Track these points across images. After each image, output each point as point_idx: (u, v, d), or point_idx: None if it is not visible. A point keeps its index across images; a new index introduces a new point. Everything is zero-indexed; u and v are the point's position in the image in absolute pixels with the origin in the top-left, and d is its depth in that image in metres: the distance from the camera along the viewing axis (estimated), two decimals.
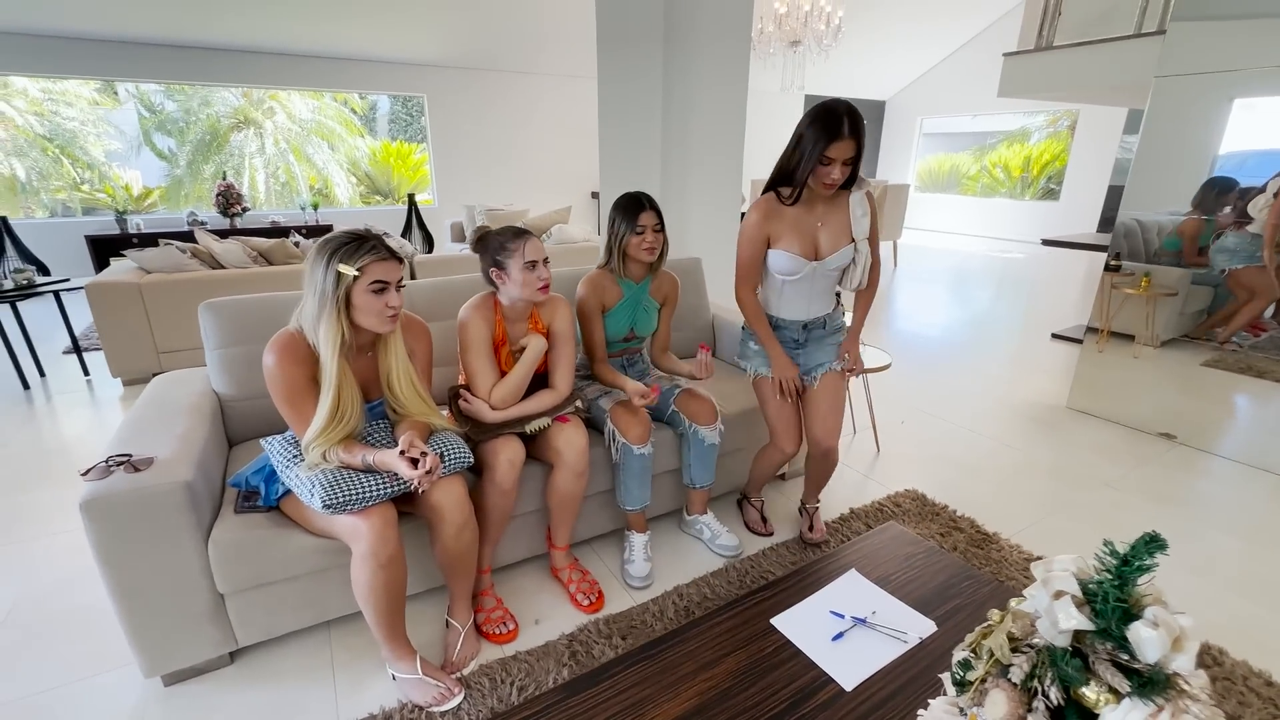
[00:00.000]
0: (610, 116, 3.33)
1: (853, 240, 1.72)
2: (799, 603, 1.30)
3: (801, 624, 1.24)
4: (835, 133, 1.50)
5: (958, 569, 1.46)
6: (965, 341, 4.42)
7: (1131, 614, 0.62)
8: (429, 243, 6.74)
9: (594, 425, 1.89)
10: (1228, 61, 2.68)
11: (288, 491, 1.45)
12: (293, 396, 1.34)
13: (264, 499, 1.47)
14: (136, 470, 1.32)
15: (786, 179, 1.66)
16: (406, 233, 6.72)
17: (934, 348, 4.28)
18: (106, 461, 1.33)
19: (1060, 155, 9.75)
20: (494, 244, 1.63)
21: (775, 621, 1.25)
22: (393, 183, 10.54)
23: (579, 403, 1.85)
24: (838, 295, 1.91)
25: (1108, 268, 3.22)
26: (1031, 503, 2.32)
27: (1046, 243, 4.46)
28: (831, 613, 1.27)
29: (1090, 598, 0.65)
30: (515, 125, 8.12)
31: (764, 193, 1.73)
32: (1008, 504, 2.30)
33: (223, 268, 3.49)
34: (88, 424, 3.01)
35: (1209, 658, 1.58)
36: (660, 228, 1.87)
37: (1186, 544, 2.08)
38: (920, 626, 1.26)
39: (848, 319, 1.94)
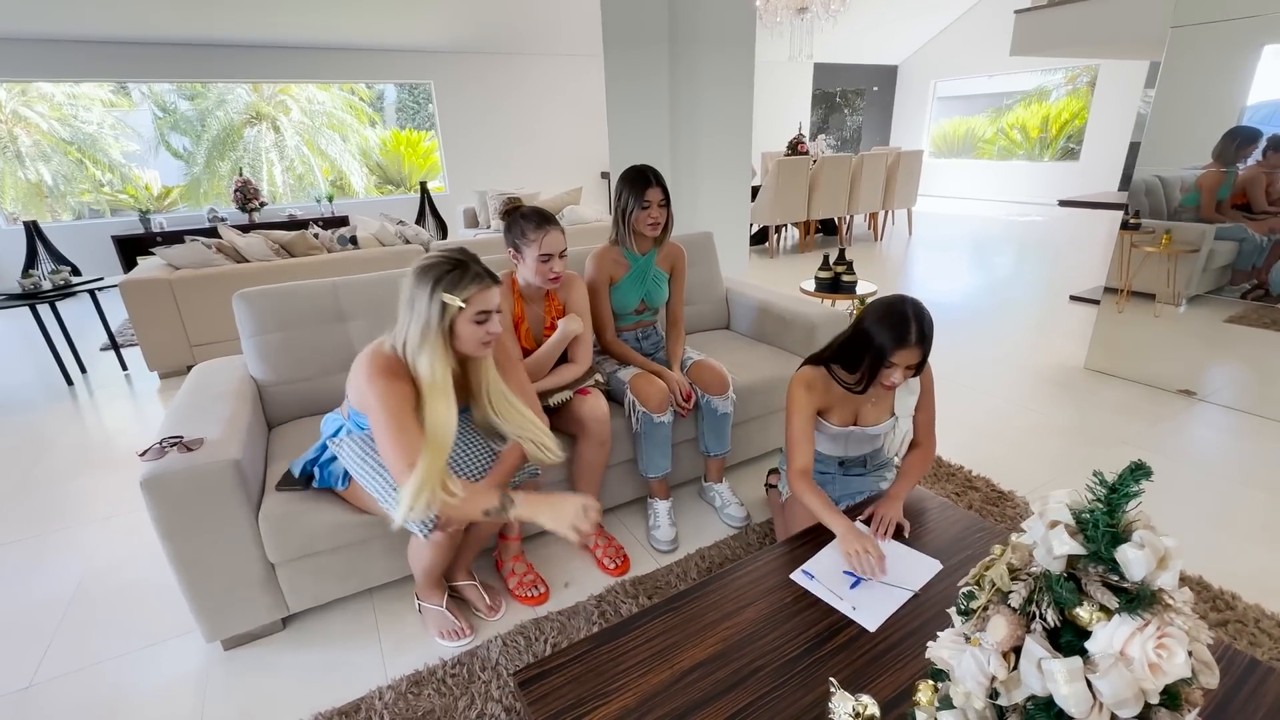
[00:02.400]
0: (618, 94, 3.34)
1: (894, 415, 1.61)
2: (814, 555, 1.36)
3: (819, 574, 1.31)
4: (902, 339, 1.33)
5: (970, 522, 1.50)
6: (983, 307, 4.40)
7: (1120, 538, 0.67)
8: (443, 229, 6.82)
9: (613, 398, 1.95)
10: (1251, 7, 2.61)
11: (348, 478, 1.50)
12: (403, 419, 1.25)
13: (320, 481, 1.52)
14: (189, 450, 1.41)
15: (846, 365, 1.47)
16: (420, 220, 6.80)
17: (951, 314, 4.26)
18: (161, 443, 1.42)
19: (1080, 113, 9.50)
20: (517, 227, 1.70)
21: (794, 576, 1.31)
22: (404, 171, 10.61)
23: (598, 375, 1.92)
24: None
25: (1125, 226, 3.18)
26: (1047, 462, 2.34)
27: (1063, 203, 4.39)
28: (844, 572, 1.32)
29: (1082, 526, 0.70)
30: (523, 108, 8.11)
31: (812, 362, 1.54)
32: (1024, 464, 2.33)
33: (247, 261, 3.60)
34: (130, 416, 3.15)
35: (1221, 602, 1.62)
36: (665, 202, 1.93)
37: (1205, 496, 2.10)
38: (928, 567, 1.31)
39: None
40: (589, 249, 2.36)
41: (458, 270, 1.26)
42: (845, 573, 1.30)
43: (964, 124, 11.18)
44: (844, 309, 2.63)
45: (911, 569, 1.32)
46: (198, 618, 1.50)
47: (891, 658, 1.11)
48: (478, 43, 7.44)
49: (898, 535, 1.43)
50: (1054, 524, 0.71)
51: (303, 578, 1.59)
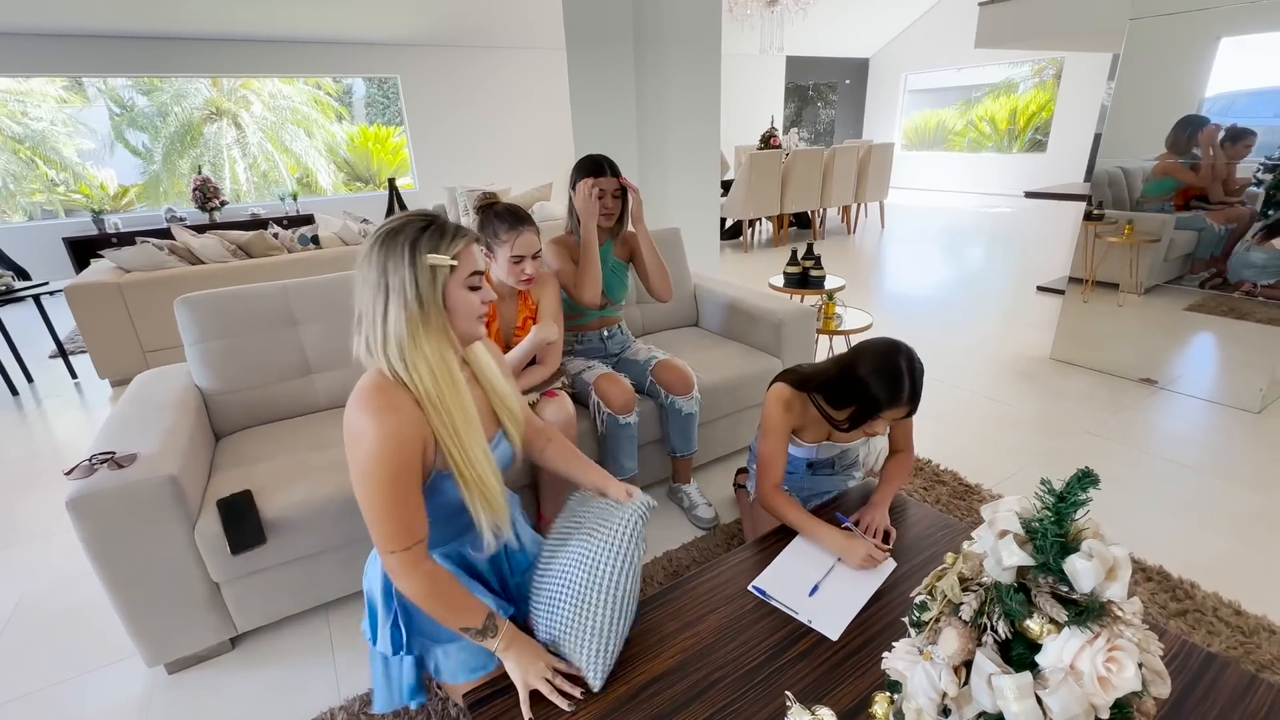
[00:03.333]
0: (582, 89, 3.28)
1: (867, 436, 1.53)
2: (765, 569, 1.33)
3: (771, 589, 1.27)
4: (895, 399, 1.27)
5: (935, 519, 1.49)
6: (952, 299, 4.44)
7: (1070, 548, 0.64)
8: None
9: (579, 400, 1.90)
10: (1200, 1, 2.64)
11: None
12: (408, 481, 0.94)
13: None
14: (120, 467, 1.33)
15: (830, 400, 1.39)
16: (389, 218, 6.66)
17: (920, 306, 4.29)
18: (90, 460, 1.34)
19: (1046, 105, 9.64)
20: (490, 226, 1.64)
21: (754, 584, 1.27)
22: (373, 168, 10.39)
23: (565, 378, 1.87)
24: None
25: (1088, 216, 3.22)
26: (1014, 454, 2.35)
27: (1029, 195, 4.44)
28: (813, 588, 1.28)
29: (1031, 535, 0.67)
30: (493, 102, 7.98)
31: (792, 384, 1.46)
32: (990, 456, 2.34)
33: (202, 263, 3.47)
34: (79, 426, 3.02)
35: (1181, 592, 1.63)
36: (620, 194, 1.90)
37: (1165, 485, 2.13)
38: (884, 566, 1.30)
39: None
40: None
41: (434, 227, 0.95)
42: (813, 588, 1.27)
43: (934, 116, 11.28)
44: (811, 304, 2.62)
45: (867, 571, 1.30)
46: (137, 642, 1.43)
47: (851, 665, 1.09)
48: (446, 36, 7.30)
49: (884, 541, 1.41)
50: (1003, 533, 0.69)
51: (251, 595, 1.52)
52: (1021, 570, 0.69)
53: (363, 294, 0.95)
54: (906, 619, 0.84)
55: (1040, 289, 4.49)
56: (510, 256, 1.62)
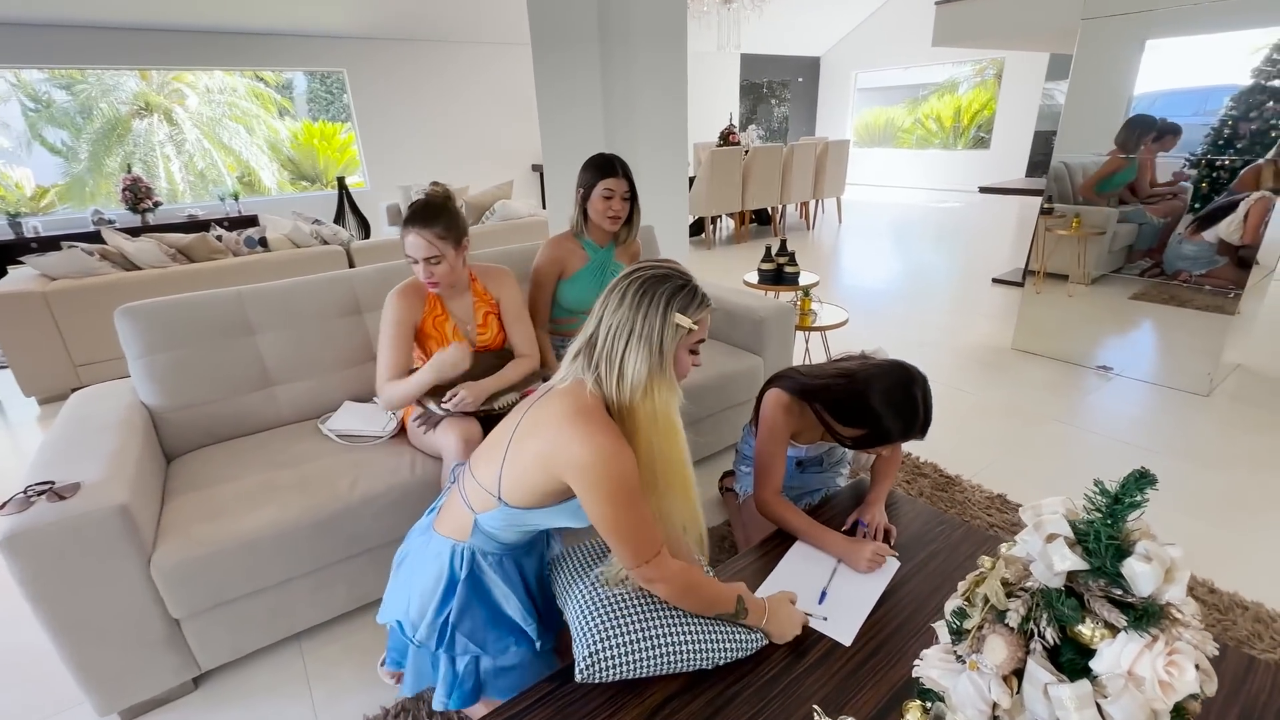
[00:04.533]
0: (548, 88, 3.19)
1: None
2: (772, 569, 1.30)
3: (782, 589, 1.24)
4: (908, 432, 1.28)
5: (929, 515, 1.49)
6: (912, 292, 4.54)
7: (1123, 550, 0.62)
8: (365, 228, 6.44)
9: None
10: (1144, 2, 2.76)
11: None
12: (640, 500, 0.97)
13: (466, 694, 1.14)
14: (61, 498, 1.20)
15: (836, 415, 1.35)
16: (340, 218, 6.39)
17: (883, 300, 4.37)
18: (25, 492, 1.20)
19: (988, 104, 10.01)
20: (401, 229, 1.57)
21: (759, 594, 1.24)
22: (319, 166, 9.96)
23: (547, 372, 1.80)
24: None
25: (1044, 211, 3.33)
26: (988, 444, 2.40)
27: (984, 190, 4.58)
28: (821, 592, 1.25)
29: (1082, 538, 0.65)
30: (447, 98, 7.75)
31: (790, 390, 1.42)
32: (966, 446, 2.38)
33: (139, 268, 3.23)
34: (5, 452, 2.76)
35: None
36: (630, 196, 1.83)
37: (1132, 469, 2.20)
38: (888, 566, 1.28)
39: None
40: (523, 245, 2.24)
41: (689, 287, 0.99)
42: (821, 594, 1.24)
43: (884, 114, 11.58)
44: (788, 300, 2.61)
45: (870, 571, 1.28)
46: (86, 689, 1.29)
47: (868, 671, 1.06)
48: (394, 29, 7.03)
49: (885, 540, 1.39)
50: (1052, 537, 0.66)
51: (215, 630, 1.40)
52: (1070, 574, 0.67)
53: (607, 324, 0.98)
54: (941, 625, 0.82)
55: (995, 281, 4.64)
56: (407, 257, 1.55)
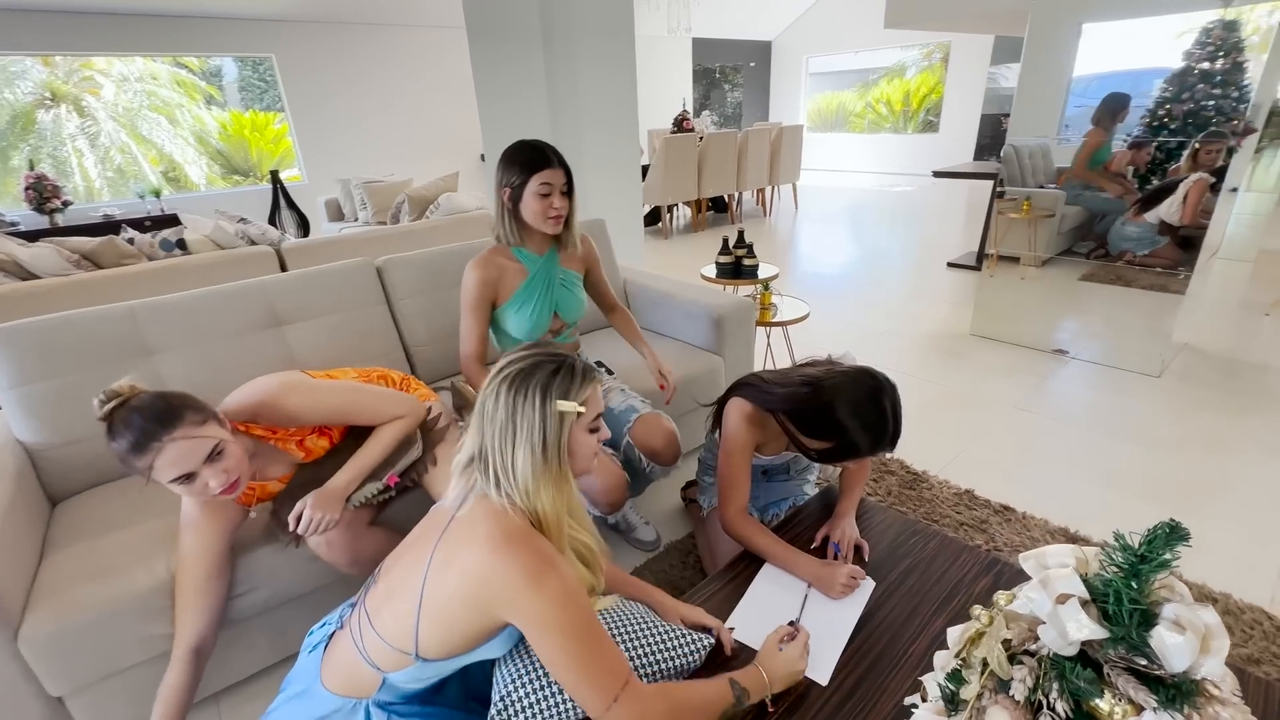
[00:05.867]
0: (487, 73, 2.99)
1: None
2: (733, 610, 1.19)
3: (751, 621, 1.14)
4: (877, 446, 1.18)
5: (901, 526, 1.41)
6: (869, 278, 4.52)
7: (1149, 615, 0.53)
8: (303, 225, 6.08)
9: None
10: None
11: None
12: (598, 625, 0.87)
13: None
14: None
15: (800, 427, 1.24)
16: (275, 215, 6.01)
17: (840, 286, 4.33)
18: None
19: (936, 87, 10.13)
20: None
21: (728, 626, 1.13)
22: (252, 159, 9.39)
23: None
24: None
25: (1001, 195, 3.32)
26: (952, 435, 2.37)
27: (938, 174, 4.58)
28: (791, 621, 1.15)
29: (1098, 597, 0.55)
30: (386, 86, 7.37)
31: (753, 399, 1.32)
32: (930, 438, 2.34)
33: (35, 277, 2.90)
34: None
35: None
36: (568, 189, 1.50)
37: (1091, 455, 2.19)
38: (862, 589, 1.20)
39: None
40: (469, 243, 2.07)
41: (563, 370, 0.91)
42: (791, 621, 1.14)
43: (835, 99, 11.61)
44: (746, 295, 2.51)
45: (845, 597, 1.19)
46: None
47: (849, 712, 0.97)
48: (326, 11, 6.62)
49: (857, 556, 1.30)
50: (1064, 598, 0.57)
51: (110, 703, 1.22)
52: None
53: (488, 433, 0.89)
54: (929, 679, 0.72)
55: (950, 265, 4.66)
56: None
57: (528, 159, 1.45)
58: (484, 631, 0.87)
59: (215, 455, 1.07)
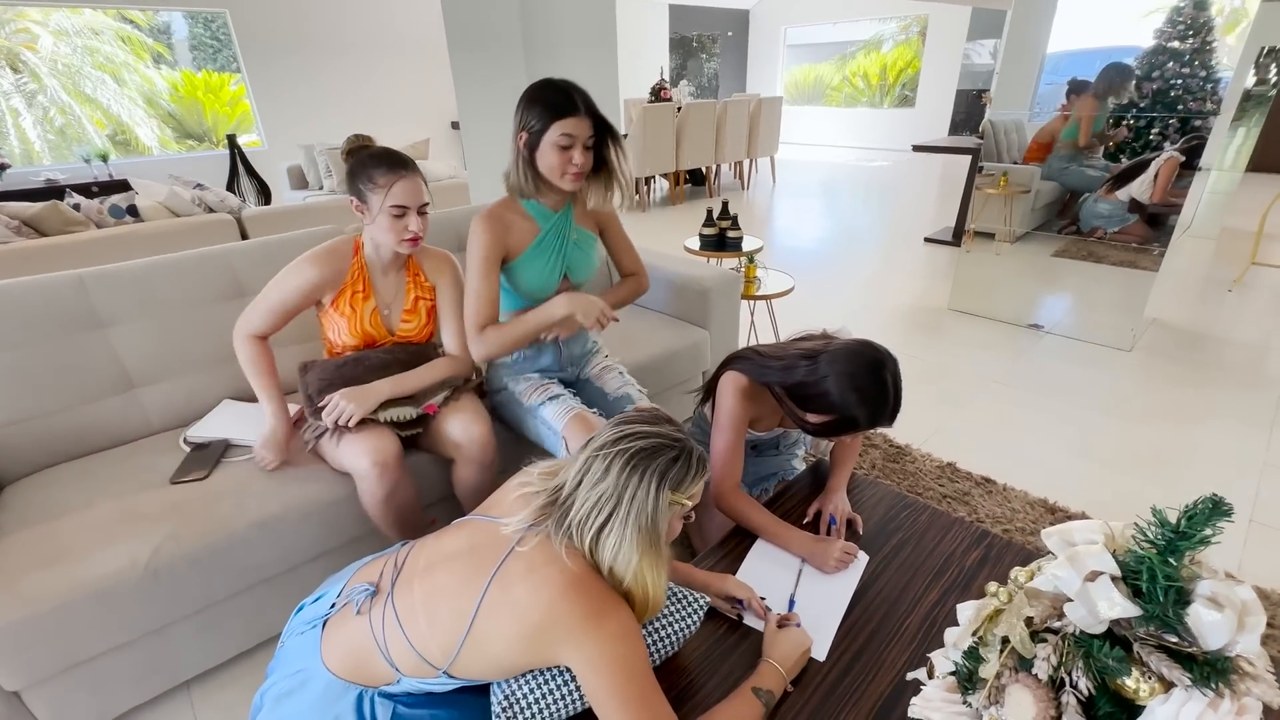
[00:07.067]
0: (460, 34, 2.85)
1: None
2: (735, 573, 1.18)
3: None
4: (877, 420, 1.15)
5: (892, 499, 1.41)
6: (848, 253, 4.52)
7: (1183, 593, 0.51)
8: (264, 193, 5.81)
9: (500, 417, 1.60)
10: None
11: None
12: (650, 675, 0.85)
13: None
14: None
15: (796, 400, 1.21)
16: (233, 182, 5.73)
17: (820, 260, 4.33)
18: None
19: (912, 62, 10.10)
20: (364, 172, 1.30)
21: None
22: (207, 123, 8.91)
23: (474, 378, 1.57)
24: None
25: (982, 170, 3.32)
26: (933, 409, 2.39)
27: (917, 149, 4.57)
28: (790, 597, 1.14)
29: (1130, 575, 0.54)
30: (351, 47, 7.02)
31: (748, 372, 1.28)
32: (912, 413, 2.35)
33: None
34: None
35: None
36: (592, 143, 1.32)
37: (1067, 428, 2.24)
38: (856, 563, 1.19)
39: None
40: (442, 212, 1.97)
41: (684, 459, 0.87)
42: (789, 601, 1.12)
43: (813, 71, 11.51)
44: (731, 268, 2.47)
45: (840, 571, 1.18)
46: None
47: (846, 688, 0.96)
48: None
49: (850, 531, 1.29)
50: (1094, 575, 0.55)
51: (72, 696, 1.15)
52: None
53: (585, 489, 0.86)
54: (937, 656, 0.71)
55: (928, 240, 4.68)
56: (390, 208, 1.29)
57: (551, 101, 1.27)
58: (530, 666, 0.86)
59: (423, 210, 1.33)
